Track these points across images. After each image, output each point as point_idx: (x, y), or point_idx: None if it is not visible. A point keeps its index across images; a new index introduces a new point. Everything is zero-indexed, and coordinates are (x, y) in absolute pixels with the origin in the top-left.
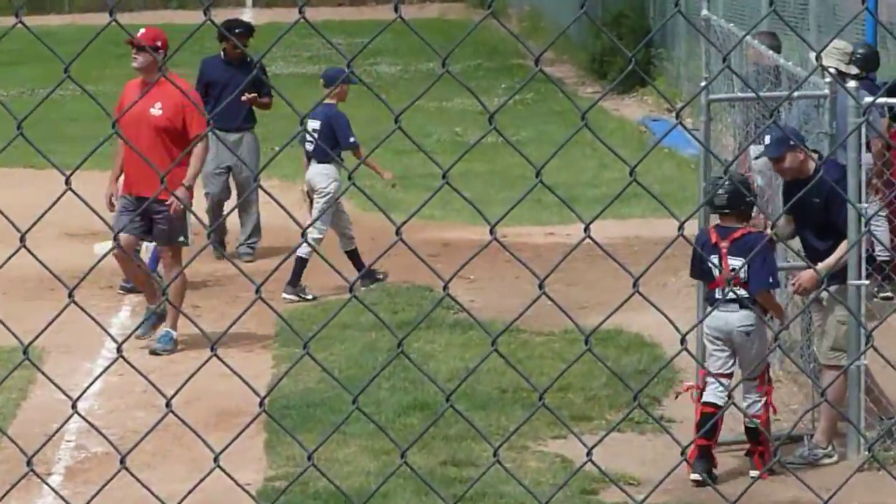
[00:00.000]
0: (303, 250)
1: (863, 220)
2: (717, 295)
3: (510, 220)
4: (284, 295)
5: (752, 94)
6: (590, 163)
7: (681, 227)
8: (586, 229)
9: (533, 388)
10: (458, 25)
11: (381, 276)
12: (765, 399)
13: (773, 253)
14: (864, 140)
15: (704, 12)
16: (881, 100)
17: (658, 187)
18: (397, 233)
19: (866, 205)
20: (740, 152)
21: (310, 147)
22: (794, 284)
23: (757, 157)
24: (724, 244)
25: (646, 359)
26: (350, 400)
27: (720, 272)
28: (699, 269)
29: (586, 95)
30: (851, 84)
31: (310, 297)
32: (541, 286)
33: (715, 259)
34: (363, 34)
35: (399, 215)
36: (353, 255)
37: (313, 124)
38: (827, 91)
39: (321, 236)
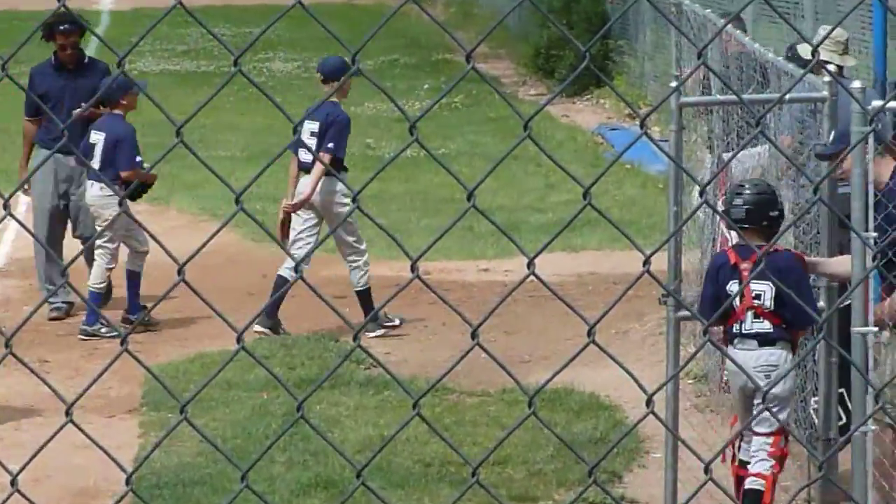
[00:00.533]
0: (358, 280)
1: (869, 252)
2: (736, 330)
3: (435, 254)
4: (368, 334)
5: (734, 97)
6: (533, 182)
7: (647, 262)
8: (530, 264)
9: (464, 460)
10: (370, 12)
11: (283, 330)
12: (775, 461)
13: (808, 278)
14: (871, 153)
15: None
16: (892, 104)
17: (618, 212)
18: (296, 269)
19: (875, 234)
20: (721, 168)
21: (306, 157)
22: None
23: (819, 156)
24: (745, 266)
25: (603, 425)
26: (237, 477)
27: (741, 300)
28: (712, 303)
29: (529, 98)
30: (856, 84)
31: (396, 321)
32: (473, 335)
33: (735, 285)
34: (253, 23)
35: None
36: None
37: (311, 126)
38: (826, 93)
39: (366, 254)
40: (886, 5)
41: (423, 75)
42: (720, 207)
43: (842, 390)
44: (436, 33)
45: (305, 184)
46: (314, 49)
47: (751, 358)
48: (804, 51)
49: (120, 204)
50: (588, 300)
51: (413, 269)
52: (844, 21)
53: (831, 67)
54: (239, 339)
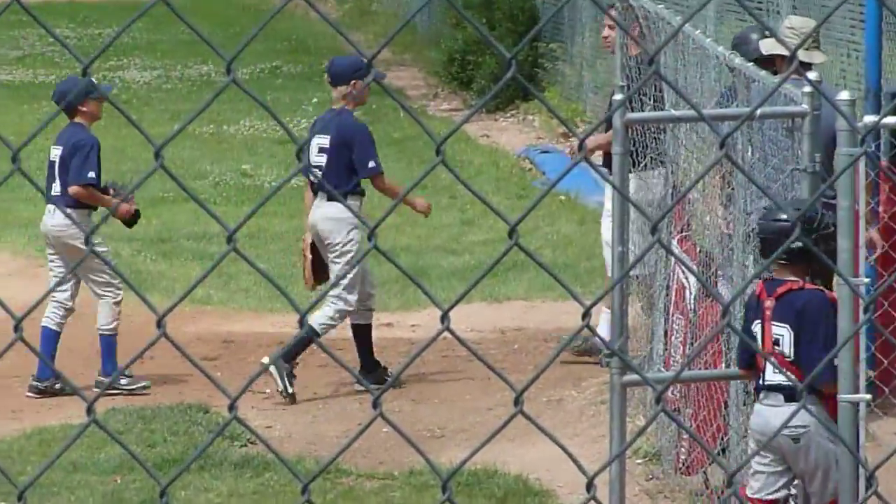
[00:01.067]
0: (319, 319)
1: (861, 301)
2: (760, 381)
3: None
4: (272, 370)
5: (693, 113)
6: (447, 217)
7: (586, 314)
8: (443, 318)
9: None
10: (246, 9)
11: (389, 375)
12: None
13: (833, 322)
14: (862, 181)
15: None
16: (888, 120)
17: (550, 254)
18: (159, 324)
19: (866, 279)
20: (678, 199)
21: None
22: None
23: None
24: (768, 303)
25: None
26: None
27: (762, 344)
28: (741, 347)
29: (441, 115)
30: (844, 95)
31: (290, 391)
32: (375, 404)
33: (758, 325)
34: (103, 22)
35: (159, 297)
36: (363, 336)
37: (320, 141)
38: (806, 107)
39: (350, 308)
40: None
41: (312, 87)
42: (675, 248)
43: None
44: (327, 35)
45: (321, 213)
46: (177, 55)
47: (775, 416)
48: (768, 46)
49: (86, 242)
50: (514, 361)
51: (301, 323)
52: (830, 18)
53: (816, 78)
54: (89, 411)
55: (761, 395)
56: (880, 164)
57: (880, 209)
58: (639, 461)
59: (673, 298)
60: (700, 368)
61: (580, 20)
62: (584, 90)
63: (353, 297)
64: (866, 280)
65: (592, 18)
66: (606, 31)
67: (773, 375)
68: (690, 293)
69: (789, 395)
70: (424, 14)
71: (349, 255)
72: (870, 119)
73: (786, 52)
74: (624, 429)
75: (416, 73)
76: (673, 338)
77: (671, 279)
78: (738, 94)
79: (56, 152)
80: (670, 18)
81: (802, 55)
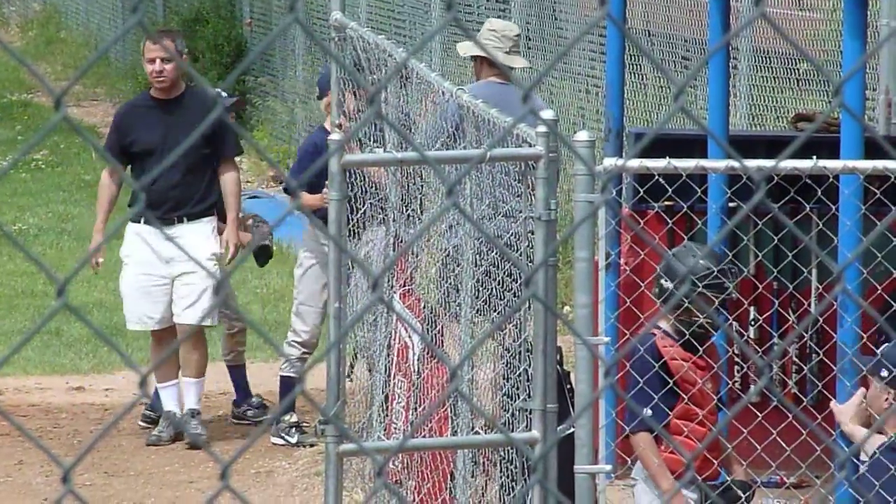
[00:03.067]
0: (287, 366)
1: (601, 363)
2: None
3: (10, 367)
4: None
5: (416, 154)
6: None
7: (300, 381)
8: (142, 382)
9: None
10: None
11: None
12: None
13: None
14: (602, 230)
15: (336, 15)
16: (633, 163)
17: (259, 310)
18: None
19: (606, 339)
20: (399, 252)
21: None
22: None
23: None
24: None
25: None
26: None
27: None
28: None
29: None
30: (583, 136)
31: (293, 439)
32: (65, 478)
33: None
34: None
35: None
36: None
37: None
38: (541, 148)
39: (307, 338)
40: (624, 28)
41: None
42: (396, 304)
43: None
44: (8, 66)
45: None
46: None
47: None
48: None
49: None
50: (219, 428)
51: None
52: (568, 52)
53: (550, 117)
54: None
55: None
56: (622, 211)
57: (621, 261)
58: None
59: (395, 359)
60: (425, 436)
61: (293, 52)
62: (297, 129)
63: (309, 328)
64: (606, 340)
65: (306, 51)
66: (159, 66)
67: None
68: (414, 353)
69: None
70: (119, 43)
71: (302, 276)
72: (611, 162)
73: (483, 54)
74: (340, 503)
75: (110, 109)
76: (395, 403)
77: (393, 338)
78: (466, 133)
79: None
80: (393, 51)
81: (503, 59)
